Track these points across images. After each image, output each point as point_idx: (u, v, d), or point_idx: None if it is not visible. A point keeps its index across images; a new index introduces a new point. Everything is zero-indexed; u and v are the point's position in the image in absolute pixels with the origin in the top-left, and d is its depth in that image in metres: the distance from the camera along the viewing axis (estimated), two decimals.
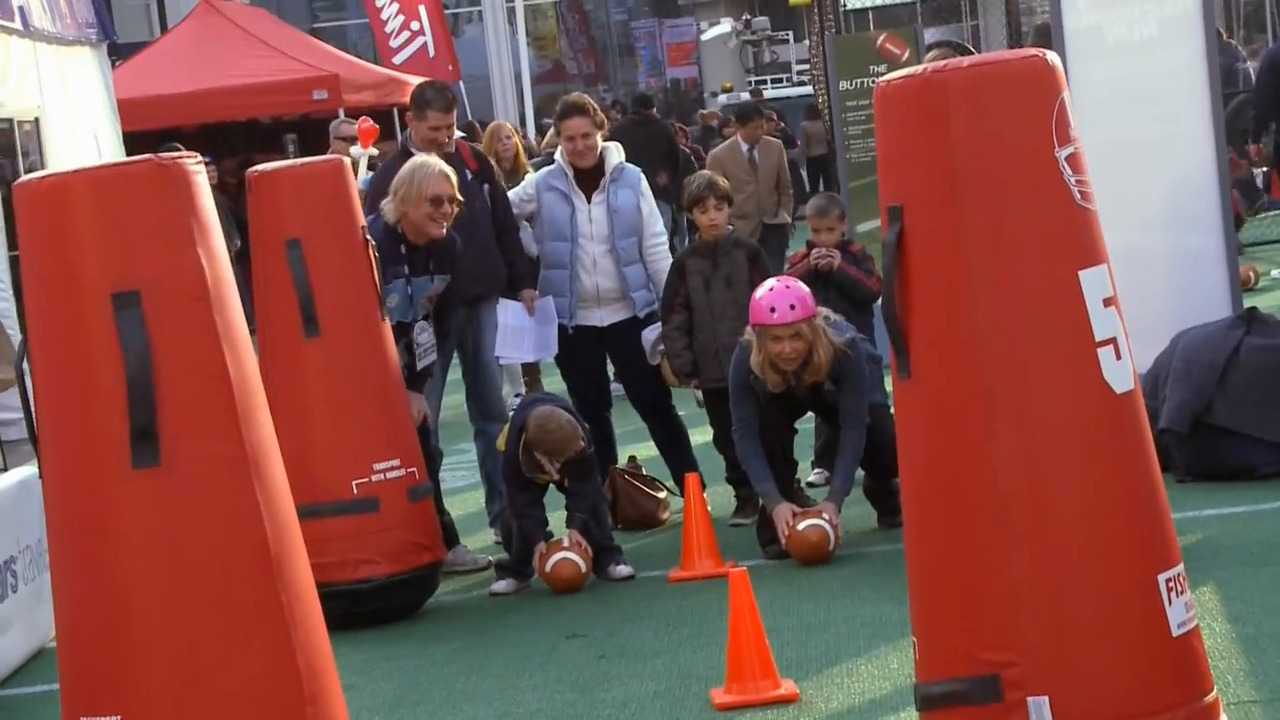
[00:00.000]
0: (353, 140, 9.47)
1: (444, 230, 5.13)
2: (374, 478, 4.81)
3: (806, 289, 5.06)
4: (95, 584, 2.38)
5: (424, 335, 5.34)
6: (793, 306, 4.86)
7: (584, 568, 4.99)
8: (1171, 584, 2.49)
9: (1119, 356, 2.49)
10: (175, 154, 2.50)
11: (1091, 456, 2.48)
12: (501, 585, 5.15)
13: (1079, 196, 2.51)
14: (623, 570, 5.17)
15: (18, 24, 8.04)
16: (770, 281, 5.15)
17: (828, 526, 5.00)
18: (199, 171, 2.47)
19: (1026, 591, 2.42)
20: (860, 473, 5.40)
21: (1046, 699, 2.39)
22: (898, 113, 2.59)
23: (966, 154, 2.45)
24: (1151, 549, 2.50)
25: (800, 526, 4.98)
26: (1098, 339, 2.47)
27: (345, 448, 4.86)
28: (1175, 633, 2.47)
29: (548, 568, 4.98)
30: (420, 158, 5.33)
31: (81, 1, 9.35)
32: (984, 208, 2.46)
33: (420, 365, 5.35)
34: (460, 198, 5.17)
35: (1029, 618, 2.42)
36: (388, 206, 5.19)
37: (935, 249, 2.50)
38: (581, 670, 4.29)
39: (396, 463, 4.87)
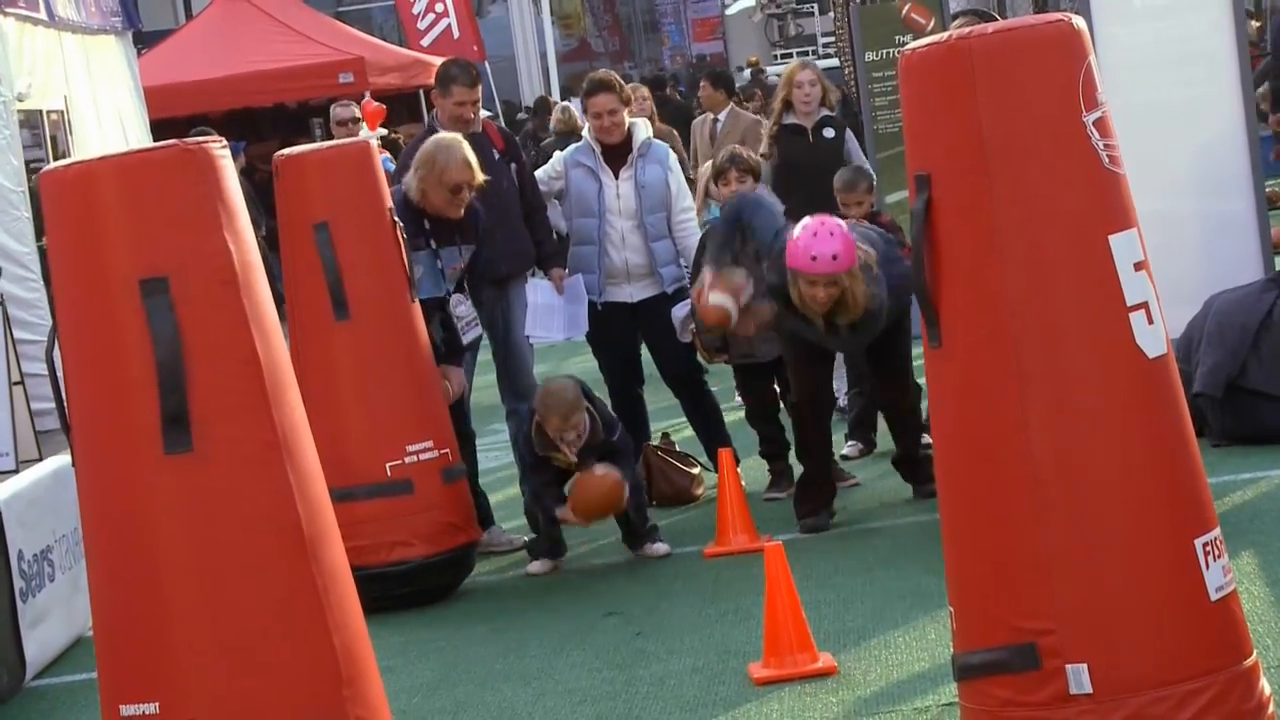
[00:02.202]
0: (352, 122, 9.53)
1: (461, 211, 5.17)
2: (407, 459, 4.85)
3: (849, 235, 4.80)
4: (130, 572, 2.40)
5: (462, 308, 5.38)
6: (835, 257, 4.66)
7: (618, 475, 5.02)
8: (1208, 548, 2.47)
9: (1150, 321, 2.46)
10: (200, 139, 2.51)
11: (1124, 422, 2.45)
12: (536, 566, 5.18)
13: (1107, 161, 2.48)
14: (659, 548, 5.19)
15: (43, 14, 8.10)
16: (812, 224, 4.81)
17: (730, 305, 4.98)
18: (224, 156, 2.47)
19: (1061, 559, 2.41)
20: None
21: (1085, 666, 2.38)
22: (923, 82, 2.56)
23: (993, 121, 2.42)
24: (1187, 514, 2.48)
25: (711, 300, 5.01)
26: (1129, 304, 2.44)
27: (377, 430, 4.91)
28: (1213, 597, 2.45)
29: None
30: (444, 138, 5.32)
31: None
32: (1011, 174, 2.43)
33: (466, 339, 5.41)
34: (482, 179, 5.19)
35: (1065, 586, 2.40)
36: (410, 180, 5.23)
37: (963, 217, 2.48)
38: (619, 648, 4.32)
39: (429, 444, 4.91)
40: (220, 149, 2.47)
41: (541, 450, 5.08)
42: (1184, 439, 2.52)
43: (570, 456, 5.03)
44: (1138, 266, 2.47)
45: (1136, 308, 2.45)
